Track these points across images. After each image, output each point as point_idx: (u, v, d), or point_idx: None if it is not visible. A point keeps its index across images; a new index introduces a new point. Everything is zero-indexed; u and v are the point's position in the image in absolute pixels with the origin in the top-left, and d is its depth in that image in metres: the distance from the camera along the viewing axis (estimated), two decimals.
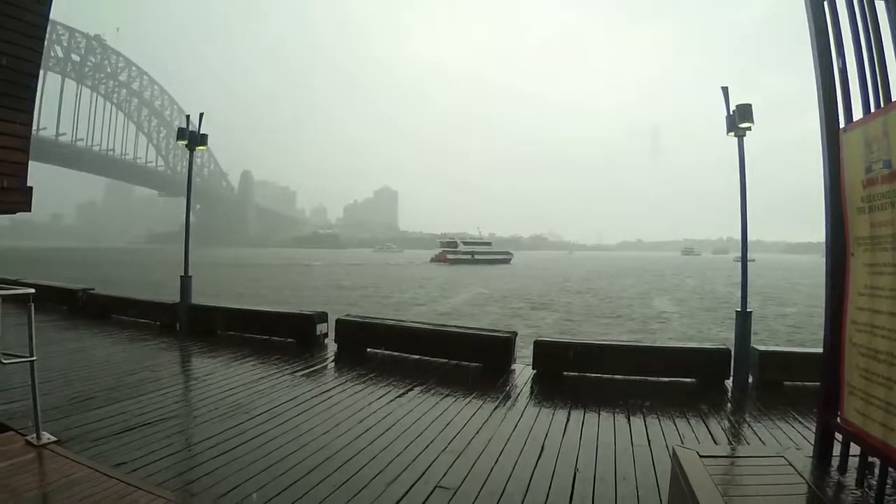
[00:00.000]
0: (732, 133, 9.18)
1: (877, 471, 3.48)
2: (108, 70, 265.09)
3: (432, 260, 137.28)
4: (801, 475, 3.69)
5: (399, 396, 8.03)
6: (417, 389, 8.40)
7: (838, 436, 3.95)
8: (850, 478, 3.72)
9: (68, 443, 5.55)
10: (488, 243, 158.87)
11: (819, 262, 4.55)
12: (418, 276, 77.90)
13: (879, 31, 3.58)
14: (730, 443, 6.58)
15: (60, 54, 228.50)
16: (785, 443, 6.32)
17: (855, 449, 3.72)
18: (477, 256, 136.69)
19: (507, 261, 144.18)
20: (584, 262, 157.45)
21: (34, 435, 5.43)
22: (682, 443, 6.22)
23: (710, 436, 6.70)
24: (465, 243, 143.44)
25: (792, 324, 31.81)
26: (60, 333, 11.98)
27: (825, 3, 4.09)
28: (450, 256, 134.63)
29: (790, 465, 3.82)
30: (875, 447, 3.44)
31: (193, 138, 12.75)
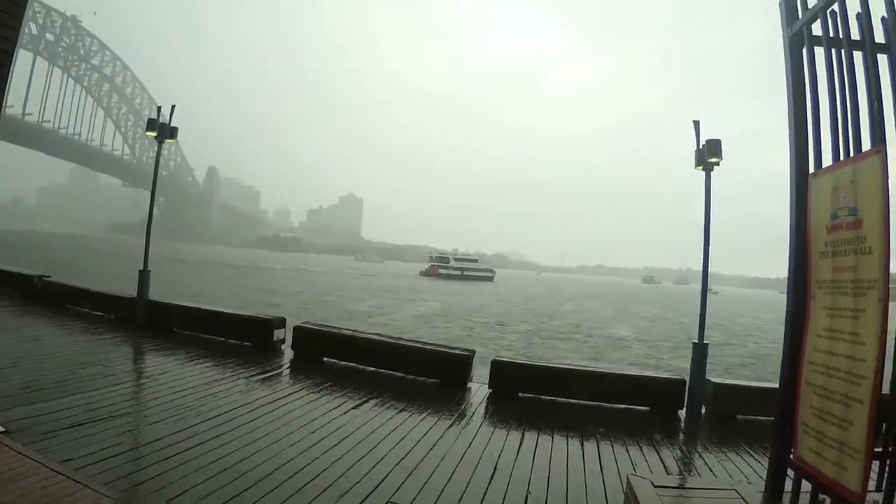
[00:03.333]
0: (700, 167, 9.32)
1: None
2: (82, 52, 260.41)
3: (422, 273, 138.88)
4: None
5: (354, 408, 7.96)
6: (373, 402, 8.34)
7: (790, 472, 4.01)
8: None
9: (15, 434, 5.41)
10: (475, 260, 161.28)
11: (779, 297, 4.64)
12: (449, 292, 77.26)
13: (855, 80, 3.67)
14: (681, 473, 6.64)
15: (35, 31, 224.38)
16: (736, 476, 6.37)
17: (807, 486, 3.78)
18: (466, 272, 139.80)
19: (490, 278, 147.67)
20: (556, 283, 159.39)
21: None
22: (635, 470, 6.27)
23: (662, 464, 6.75)
24: (457, 259, 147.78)
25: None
26: (13, 320, 11.72)
27: (804, 51, 4.18)
28: (441, 271, 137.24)
29: (742, 499, 3.87)
30: (826, 486, 3.51)
31: (164, 130, 12.56)
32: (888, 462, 3.28)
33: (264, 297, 47.40)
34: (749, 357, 32.27)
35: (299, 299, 50.56)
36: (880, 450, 3.33)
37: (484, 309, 55.76)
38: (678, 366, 23.53)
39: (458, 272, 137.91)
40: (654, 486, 3.94)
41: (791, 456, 3.96)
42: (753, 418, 8.60)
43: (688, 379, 9.22)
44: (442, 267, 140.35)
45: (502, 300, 71.74)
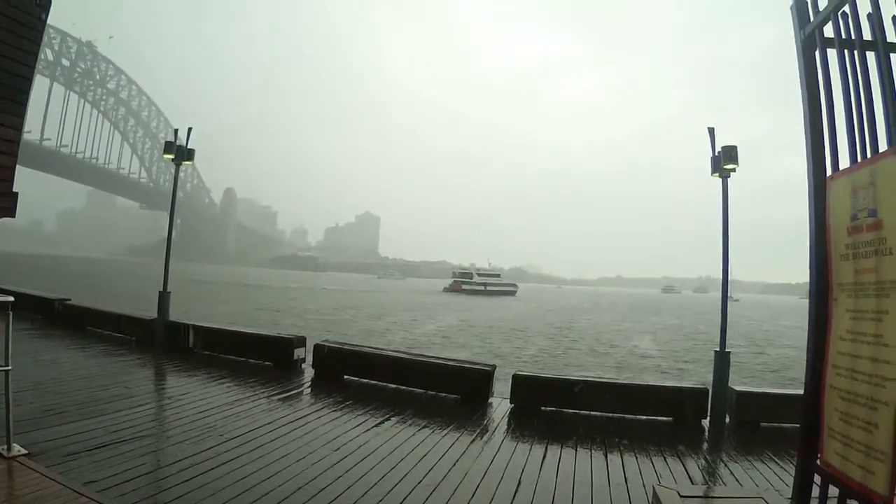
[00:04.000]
0: (717, 174, 9.29)
1: None
2: (97, 77, 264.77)
3: (446, 290, 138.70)
4: None
5: (376, 426, 7.96)
6: (394, 419, 8.33)
7: (817, 478, 3.96)
8: None
9: (39, 456, 5.44)
10: (498, 275, 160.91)
11: (799, 303, 4.61)
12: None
13: (869, 81, 3.65)
14: (706, 483, 6.58)
15: (51, 58, 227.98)
16: (762, 484, 6.31)
17: (833, 491, 3.74)
18: (489, 288, 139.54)
19: (512, 293, 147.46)
20: (577, 296, 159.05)
21: (5, 446, 5.32)
22: (660, 481, 6.21)
23: (686, 475, 6.68)
24: (479, 274, 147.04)
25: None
26: (34, 343, 11.80)
27: (816, 52, 4.16)
28: (465, 287, 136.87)
29: None
30: (854, 490, 3.47)
31: (181, 153, 12.71)
32: None
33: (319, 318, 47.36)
34: (776, 363, 32.05)
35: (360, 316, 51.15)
36: None
37: (522, 321, 56.47)
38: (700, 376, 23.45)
39: (482, 287, 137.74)
40: (681, 497, 3.91)
41: (818, 461, 3.91)
42: (777, 425, 8.51)
43: (710, 388, 9.16)
44: (465, 283, 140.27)
45: (535, 313, 71.72)
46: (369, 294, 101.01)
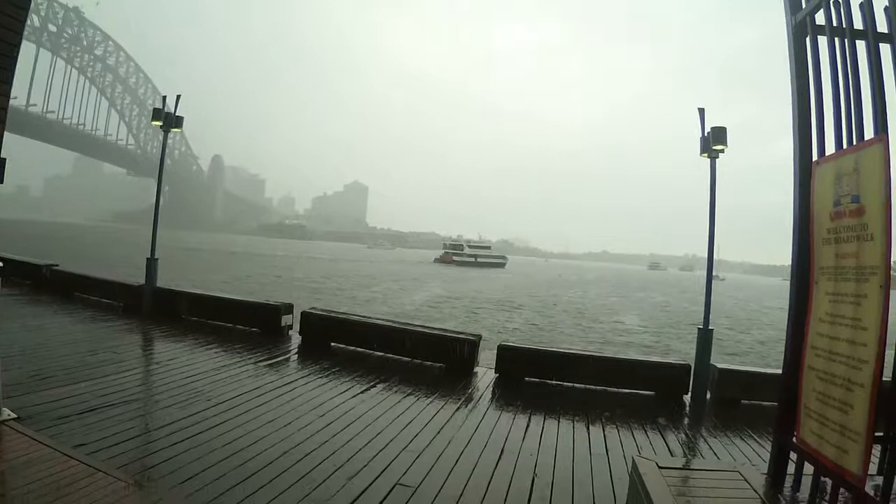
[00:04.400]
0: (706, 154, 9.34)
1: (829, 490, 3.61)
2: (84, 43, 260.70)
3: (436, 260, 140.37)
4: (755, 491, 3.80)
5: (361, 392, 8.05)
6: (380, 386, 8.42)
7: (793, 455, 4.07)
8: (803, 496, 3.84)
9: (28, 420, 5.48)
10: (488, 247, 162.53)
11: (783, 284, 4.69)
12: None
13: (858, 70, 3.71)
14: (685, 455, 6.73)
15: (37, 23, 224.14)
16: (740, 459, 6.45)
17: (808, 468, 3.85)
18: (479, 259, 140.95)
19: (502, 265, 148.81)
20: (566, 269, 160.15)
21: None
22: (640, 453, 6.32)
23: (667, 448, 6.84)
24: (470, 246, 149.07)
25: None
26: (22, 309, 11.76)
27: (807, 40, 4.21)
28: (455, 258, 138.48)
29: (745, 480, 3.94)
30: (828, 468, 3.58)
31: (169, 120, 12.60)
32: (889, 447, 3.33)
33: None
34: (758, 345, 32.41)
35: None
36: (881, 434, 3.38)
37: (517, 293, 58.61)
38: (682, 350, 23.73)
39: (472, 259, 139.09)
40: (659, 467, 4.01)
41: (794, 439, 4.02)
42: (757, 403, 8.66)
43: (693, 364, 9.29)
44: (456, 254, 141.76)
45: (529, 284, 74.53)
46: (359, 264, 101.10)
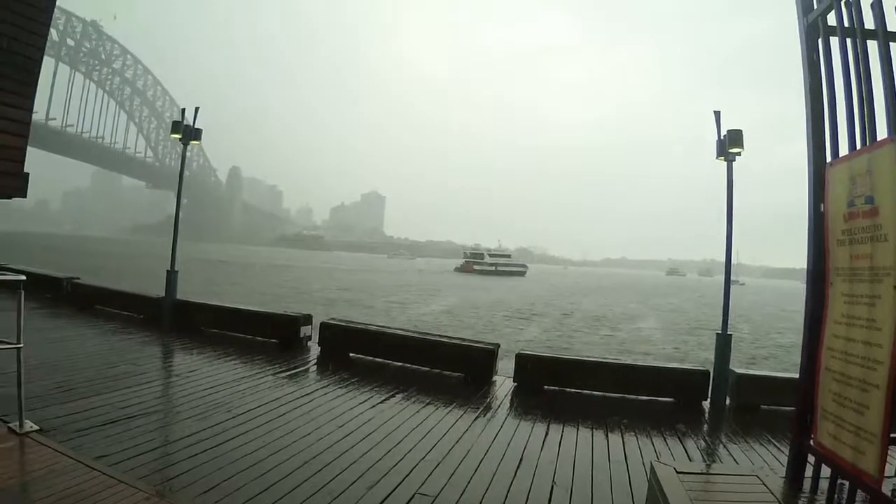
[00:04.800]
0: (722, 157, 9.30)
1: (846, 493, 3.59)
2: (103, 57, 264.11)
3: (457, 269, 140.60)
4: (773, 494, 3.79)
5: (381, 402, 8.07)
6: (399, 396, 8.43)
7: (811, 458, 4.06)
8: (821, 499, 3.82)
9: (51, 432, 5.55)
10: (508, 255, 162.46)
11: (802, 287, 4.67)
12: None
13: (870, 70, 3.71)
14: (705, 461, 6.68)
15: (56, 38, 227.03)
16: (759, 464, 6.39)
17: (826, 471, 3.83)
18: (500, 268, 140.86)
19: (522, 273, 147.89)
20: (585, 277, 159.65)
21: (17, 423, 5.41)
22: (659, 460, 6.30)
23: (686, 455, 6.79)
24: (490, 255, 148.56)
25: None
26: (44, 322, 11.90)
27: (819, 41, 4.21)
28: (476, 267, 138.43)
29: (763, 484, 3.93)
30: (845, 469, 3.56)
31: (188, 132, 12.74)
32: None
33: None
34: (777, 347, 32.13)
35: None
36: None
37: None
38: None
39: (493, 268, 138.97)
40: (678, 472, 4.01)
41: (811, 442, 4.01)
42: (777, 408, 8.58)
43: (712, 370, 9.24)
44: (477, 263, 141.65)
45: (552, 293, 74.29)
46: (385, 275, 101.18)
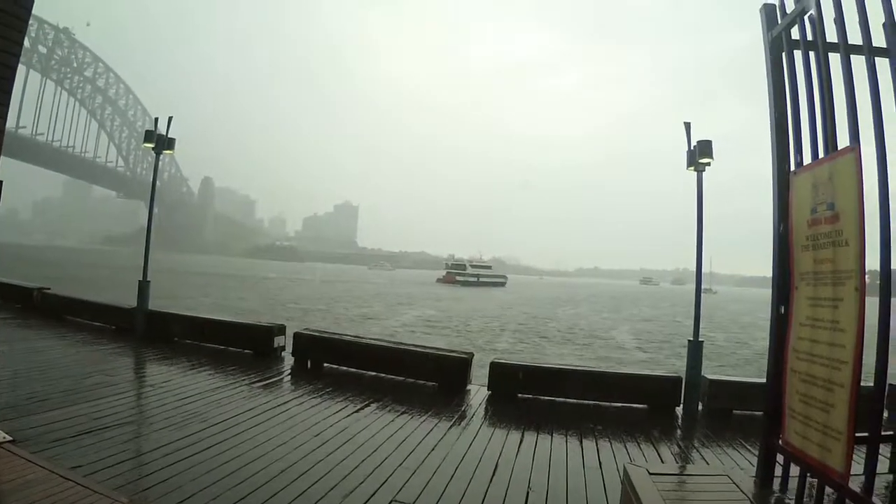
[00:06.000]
0: (692, 167, 9.46)
1: (815, 489, 3.69)
2: (75, 65, 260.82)
3: (439, 280, 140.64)
4: (744, 493, 3.87)
5: (356, 412, 8.08)
6: (374, 406, 8.45)
7: (781, 459, 4.16)
8: (791, 496, 3.92)
9: (24, 443, 5.51)
10: (489, 266, 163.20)
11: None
12: None
13: (832, 83, 3.83)
14: (677, 464, 6.77)
15: (27, 45, 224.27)
16: (731, 466, 6.49)
17: (795, 470, 3.93)
18: (482, 279, 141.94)
19: (503, 284, 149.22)
20: (561, 288, 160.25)
21: None
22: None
23: (659, 459, 6.90)
24: (473, 266, 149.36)
25: None
26: (14, 332, 11.79)
27: (783, 55, 4.33)
28: (459, 278, 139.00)
29: (734, 483, 4.00)
30: (813, 467, 3.67)
31: (161, 142, 12.67)
32: (872, 446, 3.43)
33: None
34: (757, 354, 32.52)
35: None
36: (866, 434, 3.47)
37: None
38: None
39: (475, 279, 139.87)
40: (650, 474, 4.08)
41: (780, 441, 4.10)
42: (748, 413, 8.71)
43: (684, 376, 9.35)
44: (459, 274, 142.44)
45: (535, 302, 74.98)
46: (370, 285, 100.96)
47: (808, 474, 3.83)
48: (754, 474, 4.47)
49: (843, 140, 3.71)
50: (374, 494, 5.23)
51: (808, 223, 3.87)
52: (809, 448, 3.70)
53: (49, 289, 15.48)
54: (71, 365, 9.42)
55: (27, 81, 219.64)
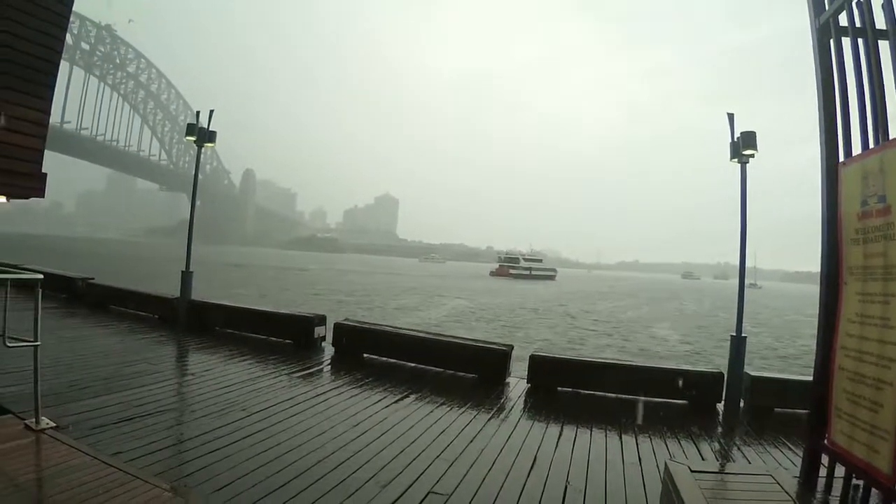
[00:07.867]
0: (735, 160, 9.27)
1: (860, 492, 3.59)
2: (117, 61, 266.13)
3: (492, 273, 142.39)
4: (787, 493, 3.78)
5: (394, 402, 8.09)
6: (412, 397, 8.46)
7: (825, 458, 4.06)
8: (835, 498, 3.82)
9: (67, 429, 5.61)
10: (540, 260, 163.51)
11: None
12: None
13: (881, 70, 3.71)
14: (718, 462, 6.66)
15: (70, 42, 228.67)
16: (773, 465, 6.36)
17: (840, 470, 3.83)
18: (534, 272, 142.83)
19: (553, 277, 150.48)
20: (614, 281, 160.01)
21: (33, 419, 5.46)
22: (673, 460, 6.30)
23: (699, 456, 6.77)
24: (525, 259, 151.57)
25: None
26: (59, 321, 12.04)
27: (831, 42, 4.21)
28: (512, 271, 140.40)
29: (777, 483, 3.92)
30: (859, 468, 3.56)
31: (202, 135, 12.83)
32: None
33: None
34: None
35: None
36: None
37: None
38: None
39: (528, 272, 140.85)
40: (692, 471, 4.01)
41: (825, 441, 4.01)
42: (791, 411, 8.54)
43: (726, 372, 9.20)
44: (512, 267, 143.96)
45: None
46: (439, 279, 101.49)
47: (854, 476, 3.73)
48: (797, 475, 4.37)
49: (893, 130, 3.60)
50: (410, 486, 5.23)
51: (857, 216, 3.76)
52: (855, 448, 3.60)
53: (93, 279, 15.80)
54: (114, 353, 9.60)
55: (71, 77, 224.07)
